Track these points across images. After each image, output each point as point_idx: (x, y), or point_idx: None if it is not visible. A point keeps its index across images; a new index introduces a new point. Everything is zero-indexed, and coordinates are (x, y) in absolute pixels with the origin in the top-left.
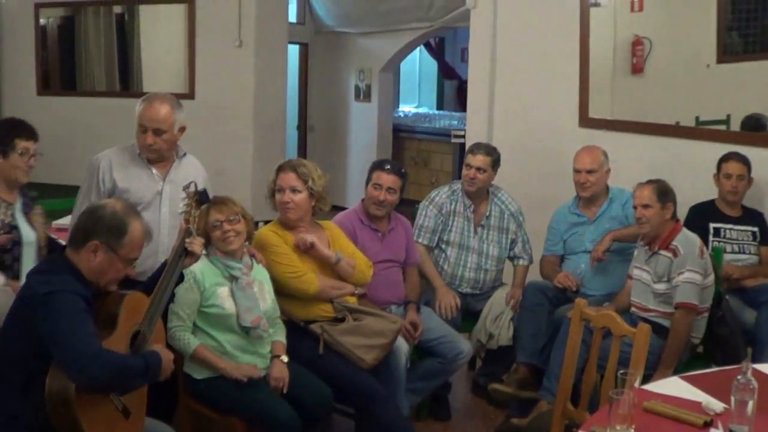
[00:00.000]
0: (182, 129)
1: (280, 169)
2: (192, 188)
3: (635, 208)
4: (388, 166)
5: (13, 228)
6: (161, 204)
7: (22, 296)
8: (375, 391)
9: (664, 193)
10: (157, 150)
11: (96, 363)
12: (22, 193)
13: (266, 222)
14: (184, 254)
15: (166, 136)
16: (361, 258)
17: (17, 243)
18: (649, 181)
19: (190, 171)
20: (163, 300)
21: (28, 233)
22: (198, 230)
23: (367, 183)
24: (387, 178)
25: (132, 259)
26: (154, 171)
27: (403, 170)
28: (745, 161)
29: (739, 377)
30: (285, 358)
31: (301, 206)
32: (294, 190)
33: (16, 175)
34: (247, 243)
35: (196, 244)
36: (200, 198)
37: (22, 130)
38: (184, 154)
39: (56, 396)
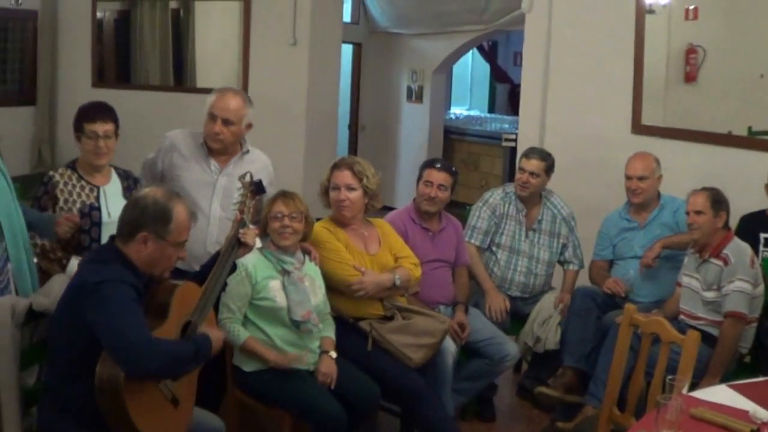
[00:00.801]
0: (249, 125)
1: (335, 166)
2: (247, 178)
3: (688, 213)
4: (439, 165)
5: (95, 209)
6: (213, 195)
7: (73, 285)
8: (421, 390)
9: (717, 201)
10: (221, 140)
11: (145, 352)
12: (122, 175)
13: (317, 220)
14: (237, 245)
15: (234, 128)
16: (410, 257)
17: (96, 223)
18: (704, 189)
19: (251, 168)
20: (215, 290)
21: (109, 214)
22: (255, 218)
23: (418, 181)
24: (438, 176)
25: (182, 242)
26: (213, 162)
27: (453, 168)
28: None
29: None
30: (334, 354)
31: (356, 204)
32: (349, 188)
33: (90, 159)
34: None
35: (250, 234)
36: (255, 189)
37: (90, 112)
38: (248, 151)
39: (106, 384)
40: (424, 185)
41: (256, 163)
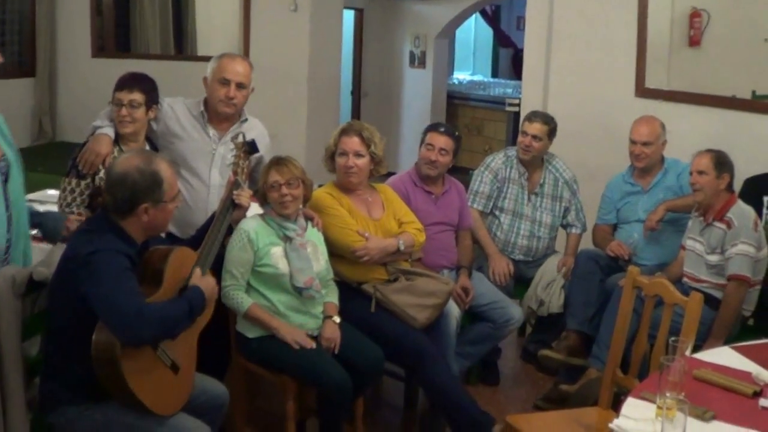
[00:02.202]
0: (252, 89)
1: (344, 132)
2: (240, 139)
3: (691, 173)
4: (442, 129)
5: None
6: (212, 164)
7: (66, 256)
8: (425, 350)
9: (721, 163)
10: (235, 104)
11: (139, 321)
12: (154, 147)
13: (319, 186)
14: (232, 206)
15: (245, 91)
16: (414, 222)
17: None
18: (709, 150)
19: (250, 135)
20: (211, 253)
21: None
22: (251, 185)
23: (420, 145)
24: (440, 139)
25: (176, 194)
26: (212, 131)
27: (456, 133)
28: None
29: None
30: (337, 319)
31: (363, 170)
32: (358, 155)
33: (119, 127)
34: (301, 207)
35: (244, 196)
36: (248, 149)
37: (121, 81)
38: (246, 119)
39: (102, 355)
40: (425, 149)
41: (254, 130)
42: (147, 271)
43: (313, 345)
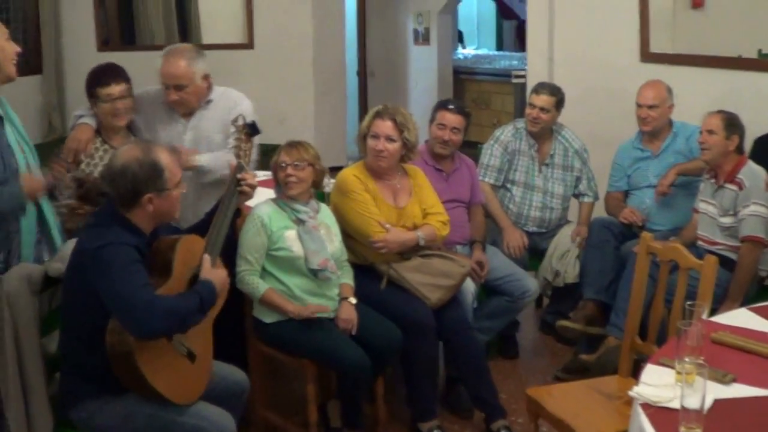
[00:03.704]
0: (206, 77)
1: (378, 114)
2: (240, 121)
3: (701, 133)
4: (452, 106)
5: None
6: None
7: (76, 251)
8: (430, 327)
9: (731, 124)
10: (183, 104)
11: (150, 313)
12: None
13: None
14: (237, 190)
15: (190, 89)
16: (440, 214)
17: None
18: (721, 111)
19: (216, 114)
20: (219, 238)
21: None
22: (248, 163)
23: (431, 123)
24: (451, 118)
25: (179, 180)
26: (178, 119)
27: (466, 110)
28: None
29: None
30: (353, 300)
31: (393, 156)
32: (389, 139)
33: (109, 122)
34: (313, 190)
35: (249, 179)
36: (250, 131)
37: (102, 77)
38: (209, 101)
39: (117, 350)
40: (437, 128)
41: (220, 107)
42: (156, 261)
43: (330, 309)
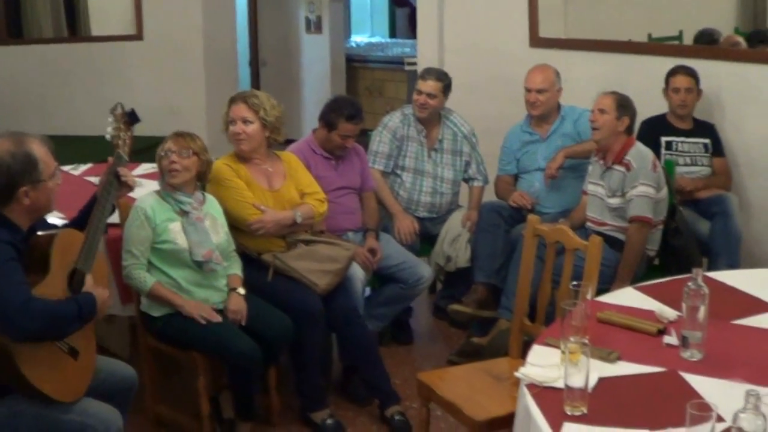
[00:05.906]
0: None
1: (232, 101)
2: (119, 110)
3: (592, 112)
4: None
5: None
6: None
7: None
8: (319, 314)
9: (623, 105)
10: None
11: (24, 314)
12: None
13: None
14: (116, 184)
15: None
16: (316, 193)
17: None
18: (614, 92)
19: None
20: (98, 233)
21: None
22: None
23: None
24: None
25: (54, 171)
26: None
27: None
28: (692, 74)
29: (689, 284)
30: (242, 291)
31: (253, 137)
32: (245, 121)
33: None
34: (199, 183)
35: (128, 174)
36: (129, 119)
37: None
38: None
39: None
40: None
41: None
42: (33, 257)
43: (219, 318)
